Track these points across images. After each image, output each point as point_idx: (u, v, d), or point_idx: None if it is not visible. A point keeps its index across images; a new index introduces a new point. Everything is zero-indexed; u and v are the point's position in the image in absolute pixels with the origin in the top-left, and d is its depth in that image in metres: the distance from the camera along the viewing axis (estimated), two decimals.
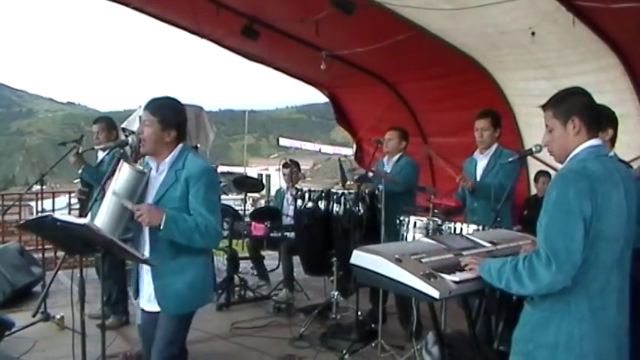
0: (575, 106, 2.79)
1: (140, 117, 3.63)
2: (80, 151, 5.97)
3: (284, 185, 8.30)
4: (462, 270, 2.96)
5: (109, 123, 6.31)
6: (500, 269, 2.73)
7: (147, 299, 3.59)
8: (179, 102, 3.61)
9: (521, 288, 2.65)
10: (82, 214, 6.04)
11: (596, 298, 2.66)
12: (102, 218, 3.36)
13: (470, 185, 5.25)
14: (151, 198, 3.48)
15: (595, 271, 2.64)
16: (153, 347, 3.55)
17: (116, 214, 3.37)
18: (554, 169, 2.94)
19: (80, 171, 6.03)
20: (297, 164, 8.26)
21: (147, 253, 3.49)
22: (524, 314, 2.82)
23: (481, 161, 5.49)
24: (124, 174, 3.36)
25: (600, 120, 2.89)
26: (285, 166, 8.23)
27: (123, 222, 3.43)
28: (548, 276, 2.55)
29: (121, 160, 3.44)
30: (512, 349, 2.85)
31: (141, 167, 3.49)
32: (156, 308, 3.53)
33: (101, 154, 6.21)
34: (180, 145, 3.54)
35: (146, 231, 3.50)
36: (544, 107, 2.89)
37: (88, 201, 6.15)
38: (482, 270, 2.85)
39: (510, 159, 4.87)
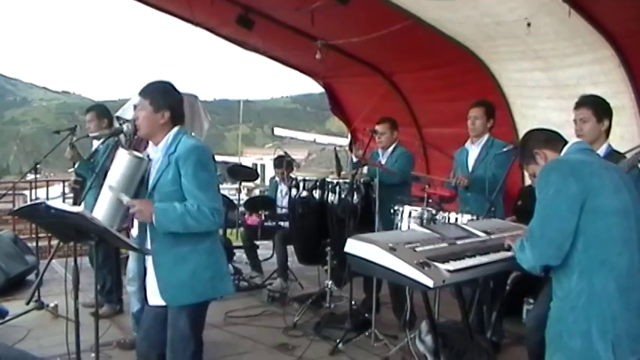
0: (531, 144, 3.10)
1: (135, 105, 3.61)
2: (73, 141, 5.93)
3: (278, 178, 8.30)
4: (455, 259, 2.97)
5: (99, 112, 6.25)
6: (520, 246, 2.87)
7: (154, 293, 3.50)
8: (170, 84, 3.57)
9: (522, 264, 2.84)
10: (75, 203, 6.03)
11: (623, 278, 2.68)
12: (100, 210, 3.35)
13: (465, 183, 5.25)
14: (149, 186, 3.46)
15: (616, 249, 2.68)
16: (167, 347, 3.45)
17: (114, 206, 3.36)
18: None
19: (76, 165, 6.02)
20: (288, 158, 8.23)
21: (149, 244, 3.46)
22: (555, 310, 2.84)
23: (472, 151, 5.50)
24: (121, 161, 3.35)
25: (559, 137, 3.11)
26: (276, 165, 8.21)
27: (120, 213, 3.41)
28: (528, 254, 2.77)
29: (119, 147, 3.43)
30: (549, 350, 2.85)
31: (137, 153, 3.47)
32: (162, 302, 3.46)
33: (96, 143, 6.18)
34: (175, 129, 3.48)
35: (146, 223, 3.46)
36: (521, 165, 3.30)
37: (82, 190, 6.13)
38: (515, 247, 2.98)
39: (505, 149, 4.89)
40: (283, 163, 8.07)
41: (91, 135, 6.00)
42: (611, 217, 2.67)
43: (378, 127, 6.30)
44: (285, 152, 8.41)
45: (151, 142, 3.57)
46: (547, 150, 3.02)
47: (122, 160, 3.35)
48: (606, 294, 2.65)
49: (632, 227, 2.73)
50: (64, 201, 9.17)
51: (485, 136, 5.45)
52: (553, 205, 2.69)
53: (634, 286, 2.69)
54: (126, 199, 3.29)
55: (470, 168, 5.46)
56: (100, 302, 6.30)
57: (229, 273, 3.82)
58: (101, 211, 3.33)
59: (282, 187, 8.00)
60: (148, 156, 3.54)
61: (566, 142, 3.04)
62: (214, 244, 3.55)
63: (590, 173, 2.72)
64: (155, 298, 3.52)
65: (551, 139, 3.08)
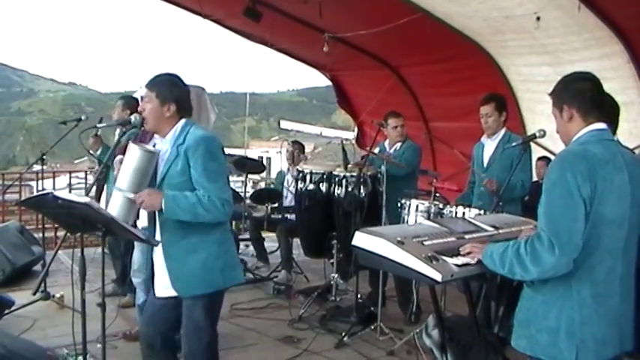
0: (566, 94, 2.80)
1: (142, 97, 3.61)
2: (94, 131, 5.97)
3: (285, 164, 8.28)
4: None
5: (124, 102, 6.18)
6: (503, 254, 2.69)
7: (163, 285, 3.49)
8: (177, 76, 3.56)
9: (525, 273, 2.62)
10: (98, 194, 6.00)
11: (599, 285, 2.64)
12: (114, 208, 3.35)
13: (494, 187, 5.04)
14: (158, 177, 3.46)
15: (598, 257, 2.62)
16: (182, 337, 3.46)
17: (126, 204, 3.36)
18: (556, 155, 2.95)
19: (99, 152, 6.08)
20: (301, 145, 8.24)
21: (158, 236, 3.46)
22: (526, 297, 2.80)
23: (488, 146, 5.38)
24: (133, 155, 3.34)
25: (603, 105, 2.84)
26: (291, 144, 8.21)
27: (135, 209, 3.42)
28: (551, 259, 2.53)
29: (129, 142, 3.43)
30: (514, 333, 2.84)
31: (149, 147, 3.47)
32: (172, 293, 3.45)
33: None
34: (182, 121, 3.48)
35: (155, 214, 3.46)
36: (550, 95, 2.91)
37: (104, 180, 6.10)
38: (484, 256, 2.79)
39: (514, 144, 4.83)
40: (295, 144, 8.07)
41: (98, 126, 5.98)
42: (606, 227, 2.61)
43: (394, 121, 6.22)
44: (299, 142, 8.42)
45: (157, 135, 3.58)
46: (578, 115, 2.75)
47: (134, 154, 3.34)
48: (580, 298, 2.62)
49: (623, 237, 2.67)
50: (70, 192, 9.20)
51: (502, 131, 5.30)
52: (574, 208, 2.55)
53: (610, 293, 2.66)
54: (132, 195, 3.30)
55: (485, 164, 5.34)
56: (123, 292, 6.29)
57: (240, 263, 3.82)
58: (114, 208, 3.32)
59: (289, 177, 7.97)
60: (154, 146, 3.55)
61: (600, 116, 2.77)
62: (225, 234, 3.56)
63: (603, 177, 2.59)
64: (164, 290, 3.50)
65: (593, 110, 2.75)
